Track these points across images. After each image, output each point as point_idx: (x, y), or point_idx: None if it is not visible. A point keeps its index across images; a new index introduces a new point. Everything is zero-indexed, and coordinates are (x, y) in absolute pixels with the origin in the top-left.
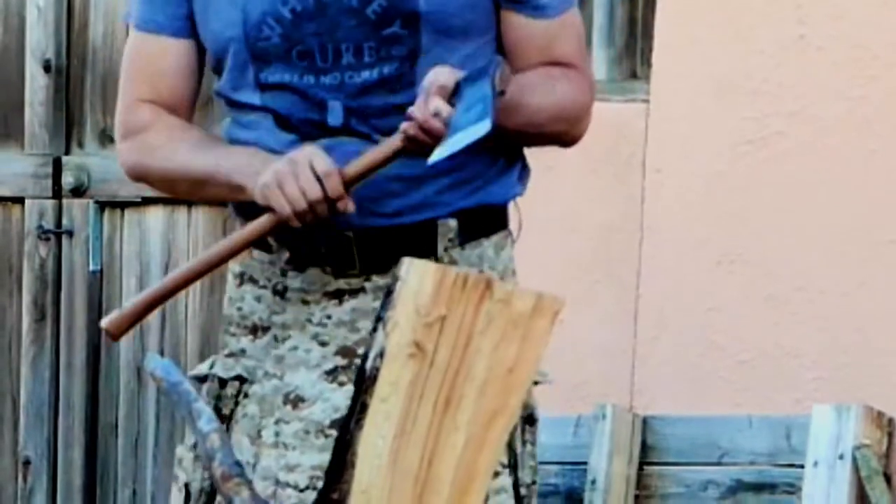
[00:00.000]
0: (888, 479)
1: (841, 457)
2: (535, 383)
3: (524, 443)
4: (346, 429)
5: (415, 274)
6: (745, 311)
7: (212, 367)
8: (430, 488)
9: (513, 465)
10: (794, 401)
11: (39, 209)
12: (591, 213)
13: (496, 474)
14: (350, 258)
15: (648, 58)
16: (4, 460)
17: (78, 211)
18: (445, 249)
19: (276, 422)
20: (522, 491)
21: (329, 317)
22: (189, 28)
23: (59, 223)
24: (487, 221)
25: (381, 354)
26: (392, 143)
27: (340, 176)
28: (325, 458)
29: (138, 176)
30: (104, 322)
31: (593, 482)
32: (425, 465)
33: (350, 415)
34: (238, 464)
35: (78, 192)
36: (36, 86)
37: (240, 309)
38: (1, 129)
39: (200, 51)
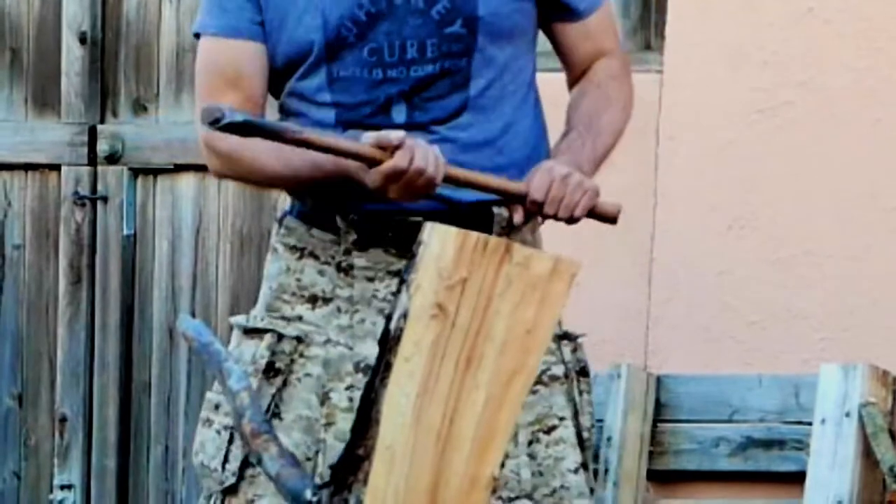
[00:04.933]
0: (893, 435)
1: (847, 414)
2: (575, 338)
3: (580, 392)
4: (371, 387)
5: (437, 238)
6: (755, 273)
7: (262, 320)
8: (452, 445)
9: (574, 414)
10: (802, 360)
11: (75, 176)
12: (606, 178)
13: (554, 427)
14: (414, 241)
15: (662, 30)
16: (42, 418)
17: (112, 177)
18: (498, 235)
19: (348, 387)
20: (585, 434)
21: (393, 294)
22: (263, 33)
23: (94, 189)
24: None
25: (404, 315)
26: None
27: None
28: None
29: (227, 176)
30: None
31: (609, 439)
32: (447, 422)
33: (375, 374)
34: (267, 421)
35: (112, 159)
36: (72, 57)
37: (299, 280)
38: (38, 99)
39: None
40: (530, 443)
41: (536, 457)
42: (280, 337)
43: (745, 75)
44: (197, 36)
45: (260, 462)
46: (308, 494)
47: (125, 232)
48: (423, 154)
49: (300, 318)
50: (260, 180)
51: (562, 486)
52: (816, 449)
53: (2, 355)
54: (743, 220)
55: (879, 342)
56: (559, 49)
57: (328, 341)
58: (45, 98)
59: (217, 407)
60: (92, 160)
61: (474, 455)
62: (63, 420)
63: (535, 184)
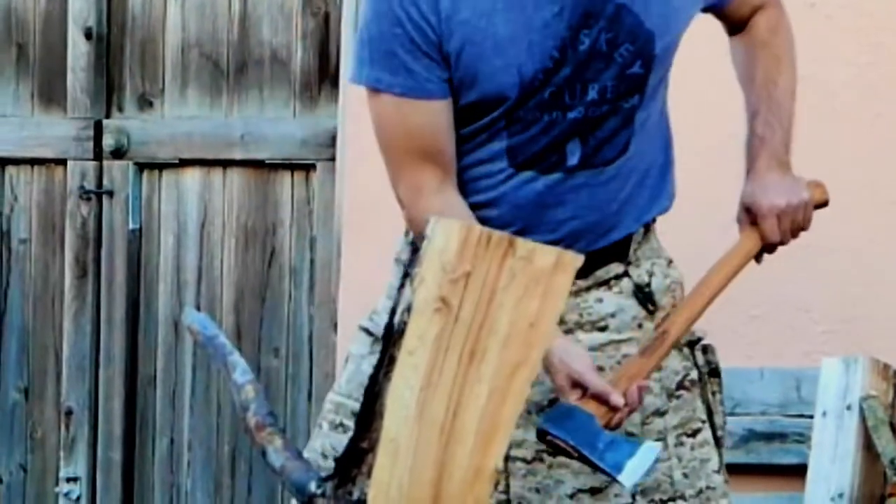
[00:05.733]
0: (894, 428)
1: (848, 407)
2: (695, 343)
3: (713, 393)
4: (375, 380)
5: (441, 232)
6: (757, 267)
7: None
8: (456, 438)
9: (709, 415)
10: (804, 354)
11: (81, 170)
12: None
13: (698, 430)
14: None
15: None
16: (48, 411)
17: (118, 172)
18: (634, 251)
19: None
20: (719, 433)
21: None
22: (451, 89)
23: (99, 184)
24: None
25: (408, 309)
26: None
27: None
28: None
29: None
30: None
31: None
32: (451, 415)
33: (378, 367)
34: (271, 414)
35: (118, 153)
36: (78, 52)
37: None
38: (45, 94)
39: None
40: (677, 446)
41: (682, 459)
42: None
43: None
44: (375, 89)
45: (265, 455)
46: (312, 487)
47: (131, 226)
48: (632, 400)
49: None
50: None
51: (708, 487)
52: (818, 442)
53: (8, 349)
54: None
55: (880, 335)
56: (721, 19)
57: None
58: (50, 93)
59: (355, 414)
60: (97, 155)
61: (478, 448)
62: (69, 413)
63: (768, 231)
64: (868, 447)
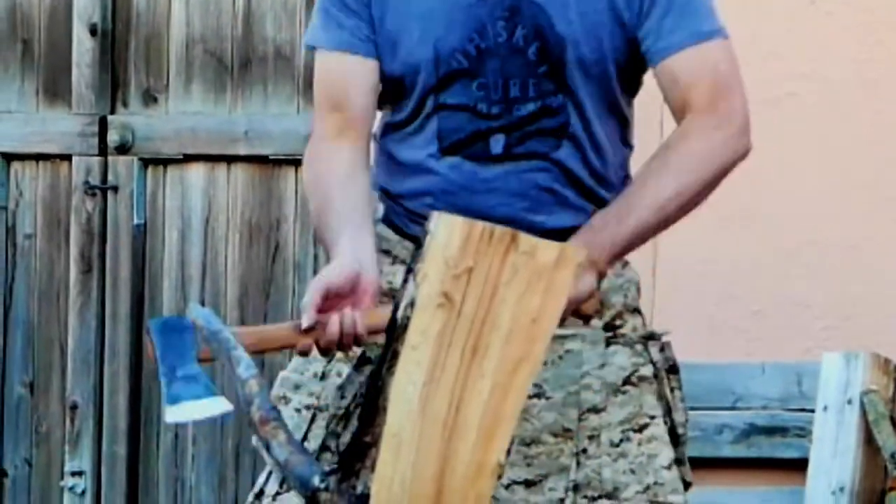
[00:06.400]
0: (894, 422)
1: (849, 402)
2: (660, 337)
3: (672, 389)
4: (378, 375)
5: (444, 228)
6: (759, 263)
7: None
8: (458, 433)
9: (667, 411)
10: (805, 349)
11: (86, 166)
12: None
13: (645, 425)
14: None
15: None
16: (53, 405)
17: (123, 167)
18: None
19: None
20: (679, 430)
21: None
22: (376, 51)
23: (104, 179)
24: None
25: (411, 304)
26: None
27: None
28: None
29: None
30: None
31: None
32: (453, 410)
33: (382, 362)
34: (275, 408)
35: (123, 149)
36: (83, 48)
37: (390, 283)
38: (50, 90)
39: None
40: (621, 441)
41: (628, 455)
42: None
43: (749, 67)
44: (312, 48)
45: (268, 449)
46: (316, 481)
47: (135, 221)
48: (332, 331)
49: None
50: (314, 209)
51: (655, 483)
52: (818, 436)
53: (13, 343)
54: (746, 210)
55: (881, 330)
56: (661, 88)
57: None
58: (56, 89)
59: (298, 387)
60: (102, 150)
61: (480, 443)
62: (74, 407)
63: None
64: (869, 441)
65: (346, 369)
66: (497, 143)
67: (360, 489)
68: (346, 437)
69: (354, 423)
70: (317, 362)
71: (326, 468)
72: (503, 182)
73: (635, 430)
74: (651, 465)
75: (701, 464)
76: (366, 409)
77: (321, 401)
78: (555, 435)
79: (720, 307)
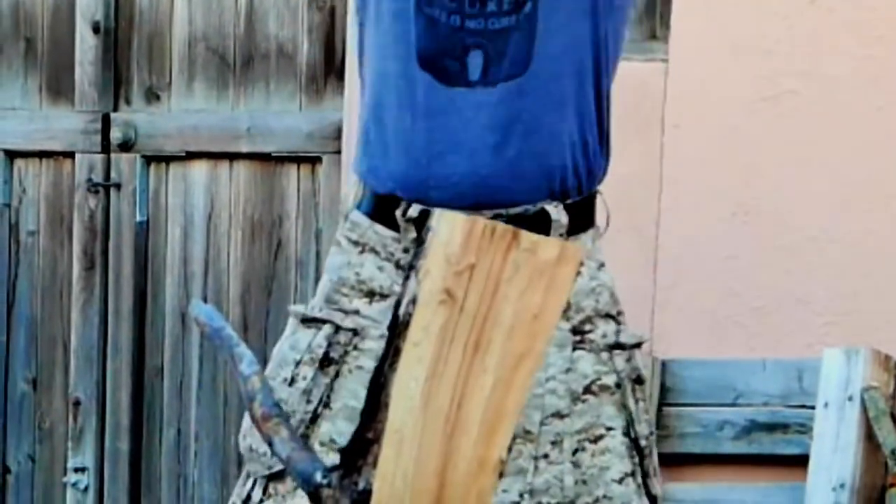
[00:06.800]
0: (895, 419)
1: (850, 398)
2: (638, 345)
3: (636, 401)
4: (380, 371)
5: (445, 225)
6: (759, 259)
7: (321, 311)
8: (460, 428)
9: (629, 422)
10: (806, 345)
11: (89, 163)
12: (613, 166)
13: (601, 436)
14: None
15: (667, 20)
16: (56, 401)
17: (125, 165)
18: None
19: None
20: (642, 442)
21: None
22: None
23: (107, 176)
24: (587, 216)
25: (413, 301)
26: None
27: None
28: None
29: None
30: None
31: None
32: (455, 406)
33: (384, 358)
34: (277, 405)
35: (125, 146)
36: (85, 46)
37: (358, 274)
38: (53, 88)
39: None
40: (576, 451)
41: (581, 465)
42: (337, 329)
43: (749, 64)
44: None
45: (271, 445)
46: (318, 477)
47: (138, 218)
48: None
49: (357, 312)
50: None
51: (604, 496)
52: (819, 432)
53: (17, 340)
54: (747, 206)
55: (882, 327)
56: None
57: (383, 336)
58: (59, 86)
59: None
60: (105, 148)
61: (482, 438)
62: (77, 404)
63: None
64: (869, 438)
65: (311, 373)
66: (476, 67)
67: (362, 485)
68: (314, 441)
69: (321, 425)
70: (287, 367)
71: (329, 464)
72: (474, 113)
73: (591, 441)
74: (602, 478)
75: (702, 460)
76: (368, 405)
77: (288, 406)
78: (515, 436)
79: (721, 303)
